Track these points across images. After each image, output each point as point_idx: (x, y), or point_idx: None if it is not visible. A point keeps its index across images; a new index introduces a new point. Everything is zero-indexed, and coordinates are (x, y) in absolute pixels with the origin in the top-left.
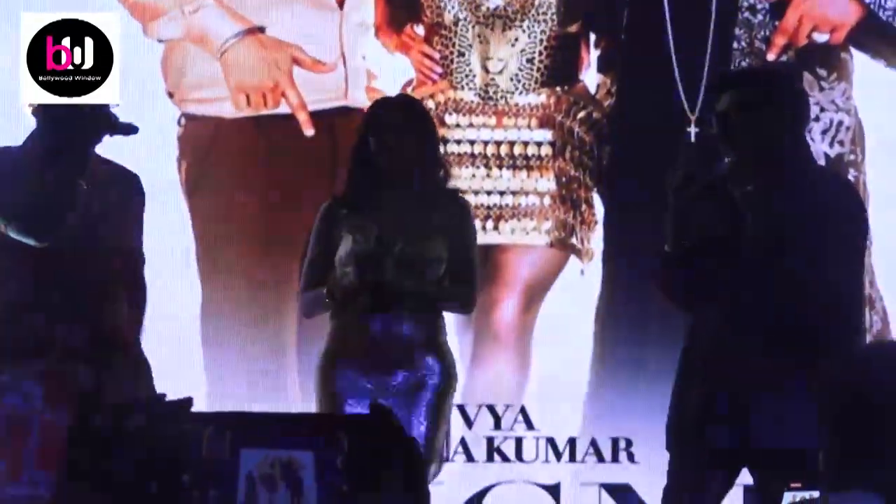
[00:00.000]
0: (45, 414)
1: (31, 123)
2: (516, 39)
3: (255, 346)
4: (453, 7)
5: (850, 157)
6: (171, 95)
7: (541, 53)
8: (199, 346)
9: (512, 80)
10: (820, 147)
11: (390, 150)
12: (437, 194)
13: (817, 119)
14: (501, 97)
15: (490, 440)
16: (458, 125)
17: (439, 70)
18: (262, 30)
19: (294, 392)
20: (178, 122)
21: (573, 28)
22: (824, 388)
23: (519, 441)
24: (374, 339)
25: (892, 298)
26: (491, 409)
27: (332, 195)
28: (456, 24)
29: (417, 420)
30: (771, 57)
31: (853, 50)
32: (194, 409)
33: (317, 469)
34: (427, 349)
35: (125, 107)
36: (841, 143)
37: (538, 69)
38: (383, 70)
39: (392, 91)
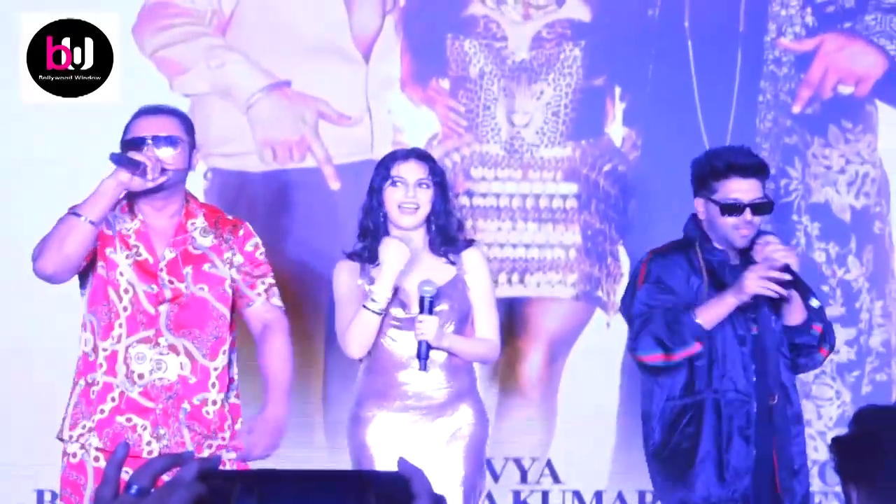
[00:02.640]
0: None
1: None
2: (542, 93)
3: None
4: (479, 61)
5: (876, 210)
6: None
7: (566, 107)
8: None
9: (537, 133)
10: (846, 199)
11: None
12: (456, 244)
13: (843, 171)
14: (527, 150)
15: (517, 494)
16: (483, 178)
17: (465, 124)
18: (287, 84)
19: (321, 448)
20: (205, 177)
21: (598, 81)
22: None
23: (545, 494)
24: (408, 389)
25: None
26: (517, 462)
27: (344, 252)
28: (482, 77)
29: (454, 470)
30: (796, 109)
31: (878, 102)
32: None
33: None
34: (461, 398)
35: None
36: (867, 195)
37: (563, 122)
38: (409, 124)
39: (419, 145)
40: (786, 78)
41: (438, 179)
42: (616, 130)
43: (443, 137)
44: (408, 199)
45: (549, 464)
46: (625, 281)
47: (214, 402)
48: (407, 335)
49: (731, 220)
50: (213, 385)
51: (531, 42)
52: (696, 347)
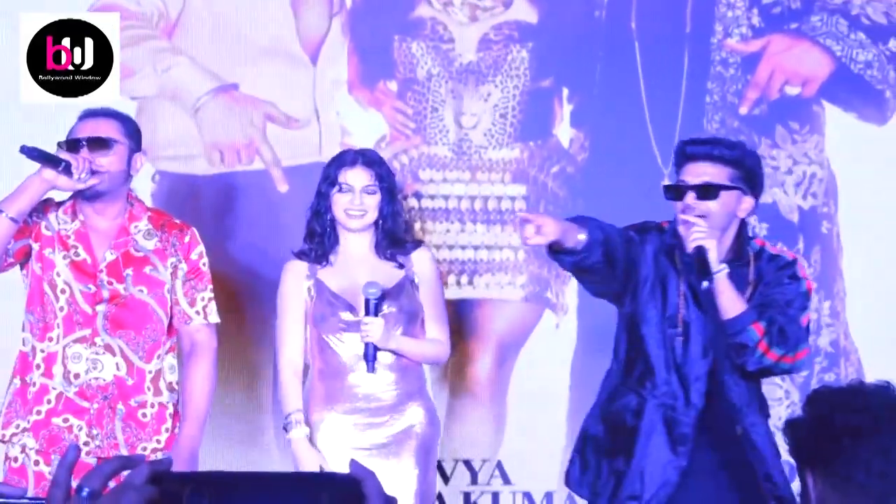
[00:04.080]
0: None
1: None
2: (489, 94)
3: (232, 404)
4: (426, 63)
5: (824, 210)
6: (144, 153)
7: (514, 108)
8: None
9: (485, 135)
10: (793, 200)
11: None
12: (403, 246)
13: (790, 172)
14: (475, 152)
15: (467, 495)
16: (431, 180)
17: (413, 126)
18: (235, 87)
19: (270, 451)
20: (152, 179)
21: (546, 83)
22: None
23: (496, 496)
24: (358, 391)
25: (865, 351)
26: (467, 463)
27: (293, 252)
28: (429, 79)
29: (407, 469)
30: (743, 110)
31: (825, 103)
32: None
33: None
34: (410, 399)
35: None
36: (814, 195)
37: (511, 124)
38: (357, 126)
39: (367, 147)
40: (733, 79)
41: (385, 184)
42: (564, 132)
43: (391, 139)
44: (354, 206)
45: (499, 465)
46: (573, 282)
47: (152, 406)
48: (355, 337)
49: (677, 206)
50: (149, 388)
51: (478, 44)
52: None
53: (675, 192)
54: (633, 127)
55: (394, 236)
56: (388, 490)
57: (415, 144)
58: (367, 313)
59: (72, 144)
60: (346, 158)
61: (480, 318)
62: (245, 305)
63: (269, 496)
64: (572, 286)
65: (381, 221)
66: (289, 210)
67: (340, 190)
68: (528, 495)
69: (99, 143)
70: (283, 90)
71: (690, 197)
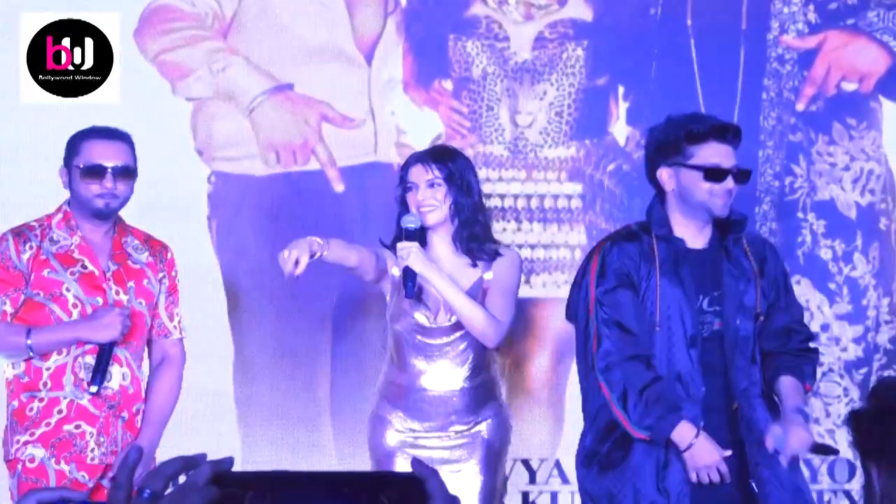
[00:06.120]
0: None
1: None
2: (545, 93)
3: (290, 408)
4: (482, 61)
5: (882, 206)
6: (200, 153)
7: (569, 107)
8: (233, 408)
9: (541, 133)
10: (851, 196)
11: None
12: (480, 242)
13: (847, 168)
14: (531, 151)
15: (525, 495)
16: (487, 179)
17: (468, 125)
18: (290, 87)
19: (330, 452)
20: (209, 181)
21: (601, 81)
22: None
23: (554, 495)
24: (429, 395)
25: None
26: (525, 463)
27: (381, 243)
28: (484, 78)
29: (472, 475)
30: (800, 107)
31: (882, 99)
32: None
33: None
34: (483, 405)
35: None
36: (872, 191)
37: (567, 122)
38: (412, 125)
39: (421, 147)
40: (789, 75)
41: (456, 177)
42: (620, 130)
43: (446, 139)
44: (422, 201)
45: (557, 464)
46: None
47: (143, 413)
48: (428, 344)
49: (711, 187)
50: (143, 396)
51: (533, 42)
52: (643, 435)
53: (717, 174)
54: None
55: (470, 229)
56: (453, 491)
57: (470, 144)
58: (404, 239)
59: (97, 171)
60: (410, 159)
61: (537, 317)
62: (302, 303)
63: (329, 496)
64: None
65: (456, 214)
66: (345, 210)
67: (409, 189)
68: None
69: (125, 172)
70: (339, 90)
71: (730, 181)
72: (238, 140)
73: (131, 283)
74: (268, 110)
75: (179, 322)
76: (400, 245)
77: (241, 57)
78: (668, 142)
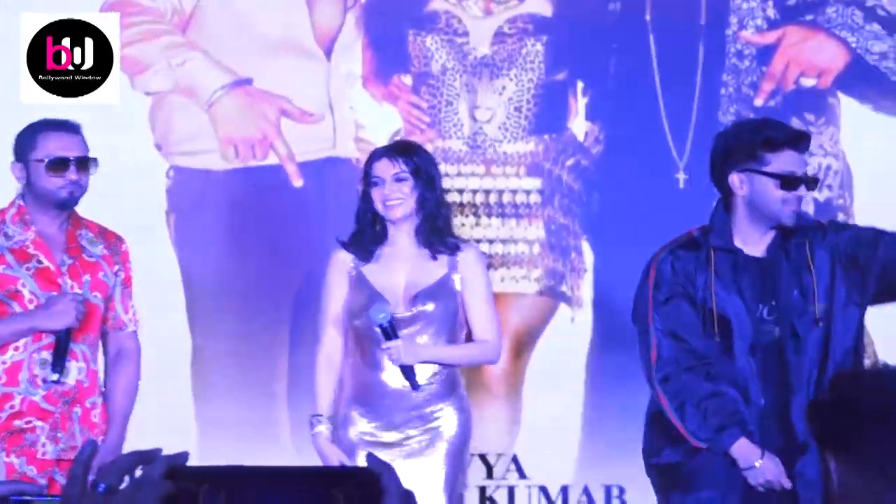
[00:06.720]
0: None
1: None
2: (504, 88)
3: (247, 402)
4: (441, 56)
5: (839, 202)
6: (159, 148)
7: (528, 102)
8: (189, 402)
9: (500, 128)
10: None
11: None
12: (441, 236)
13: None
14: (490, 146)
15: (482, 489)
16: (446, 174)
17: (427, 120)
18: (249, 81)
19: (287, 446)
20: (167, 175)
21: (561, 76)
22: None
23: (511, 490)
24: (389, 390)
25: (881, 343)
26: (483, 458)
27: (338, 241)
28: (444, 73)
29: (434, 470)
30: (759, 102)
31: (840, 94)
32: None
33: None
34: (443, 400)
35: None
36: (829, 187)
37: (526, 117)
38: (371, 120)
39: (380, 141)
40: (748, 71)
41: (421, 172)
42: (579, 125)
43: (405, 134)
44: (387, 196)
45: (514, 459)
46: (588, 276)
47: (98, 406)
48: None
49: (785, 195)
50: (98, 389)
51: (493, 37)
52: (702, 445)
53: (793, 181)
54: (648, 119)
55: (433, 224)
56: (409, 486)
57: (429, 138)
58: (386, 339)
59: (61, 164)
60: (375, 154)
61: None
62: (260, 299)
63: (285, 491)
64: (587, 280)
65: (420, 209)
66: (304, 205)
67: (374, 185)
68: (543, 489)
69: (86, 163)
70: (298, 84)
71: (803, 189)
72: (197, 135)
73: (87, 277)
74: (227, 105)
75: (134, 314)
76: (384, 345)
77: (200, 51)
78: (741, 147)
